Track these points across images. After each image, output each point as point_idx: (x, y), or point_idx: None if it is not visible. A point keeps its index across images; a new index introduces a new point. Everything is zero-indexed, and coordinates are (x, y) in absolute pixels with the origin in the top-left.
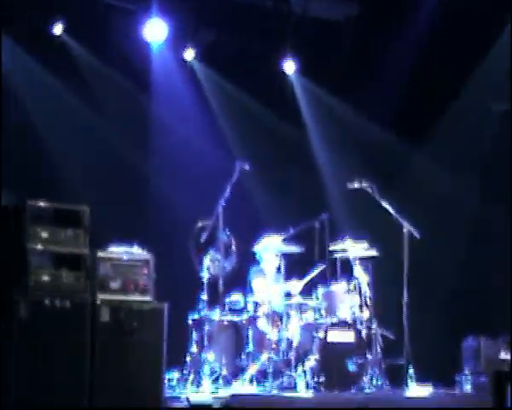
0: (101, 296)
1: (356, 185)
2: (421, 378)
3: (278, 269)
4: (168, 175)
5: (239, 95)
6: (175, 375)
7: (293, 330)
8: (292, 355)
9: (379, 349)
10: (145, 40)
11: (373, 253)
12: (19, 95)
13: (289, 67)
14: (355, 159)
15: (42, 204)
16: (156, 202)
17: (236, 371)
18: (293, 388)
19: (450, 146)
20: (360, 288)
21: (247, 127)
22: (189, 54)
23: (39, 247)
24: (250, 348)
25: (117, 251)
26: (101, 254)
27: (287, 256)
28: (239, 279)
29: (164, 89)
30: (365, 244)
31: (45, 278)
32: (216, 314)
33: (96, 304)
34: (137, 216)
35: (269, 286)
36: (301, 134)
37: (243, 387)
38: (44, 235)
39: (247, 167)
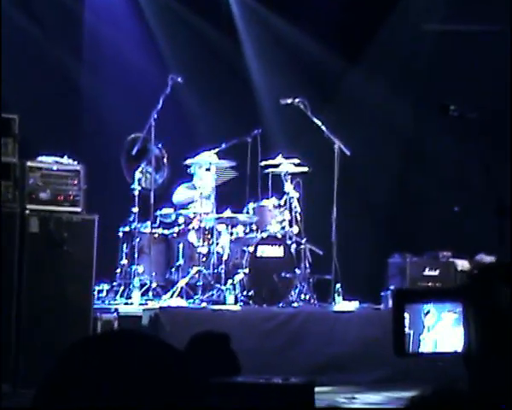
0: (30, 207)
1: (289, 101)
2: (348, 294)
3: (210, 184)
4: (101, 86)
5: (174, 6)
6: (105, 287)
7: (223, 245)
8: (222, 269)
9: (307, 265)
10: None
11: (304, 169)
12: None
13: None
14: (289, 75)
15: None
16: (88, 113)
17: (166, 284)
18: (223, 301)
19: (384, 65)
20: (290, 204)
21: (182, 40)
22: None
23: None
24: (180, 261)
25: (47, 161)
26: (30, 163)
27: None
28: (170, 193)
29: None
30: (297, 160)
31: None
32: (147, 227)
33: (25, 214)
34: (68, 126)
35: (200, 200)
36: (236, 48)
37: (173, 300)
38: None
39: (180, 80)
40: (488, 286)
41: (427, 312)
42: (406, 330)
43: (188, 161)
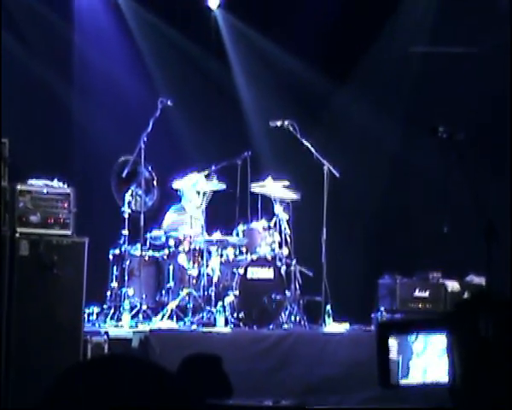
0: (20, 230)
1: (278, 123)
2: (339, 315)
3: (199, 206)
4: (91, 109)
5: (164, 30)
6: (95, 309)
7: (213, 267)
8: (212, 291)
9: (297, 286)
10: None
11: (293, 196)
12: None
13: (214, 2)
14: (278, 97)
15: None
16: (78, 136)
17: (156, 307)
18: (213, 323)
19: (372, 86)
20: (280, 225)
21: (172, 63)
22: None
23: None
24: (170, 283)
25: (37, 184)
26: (20, 187)
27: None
28: (160, 215)
29: (87, 20)
30: (286, 182)
31: None
32: (137, 250)
33: (15, 237)
34: (58, 149)
35: (190, 222)
36: (225, 70)
37: (163, 322)
38: None
39: (170, 103)
40: (473, 317)
41: (416, 337)
42: (394, 357)
43: (176, 184)
